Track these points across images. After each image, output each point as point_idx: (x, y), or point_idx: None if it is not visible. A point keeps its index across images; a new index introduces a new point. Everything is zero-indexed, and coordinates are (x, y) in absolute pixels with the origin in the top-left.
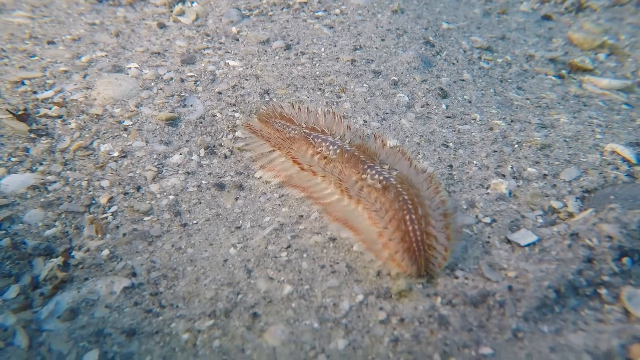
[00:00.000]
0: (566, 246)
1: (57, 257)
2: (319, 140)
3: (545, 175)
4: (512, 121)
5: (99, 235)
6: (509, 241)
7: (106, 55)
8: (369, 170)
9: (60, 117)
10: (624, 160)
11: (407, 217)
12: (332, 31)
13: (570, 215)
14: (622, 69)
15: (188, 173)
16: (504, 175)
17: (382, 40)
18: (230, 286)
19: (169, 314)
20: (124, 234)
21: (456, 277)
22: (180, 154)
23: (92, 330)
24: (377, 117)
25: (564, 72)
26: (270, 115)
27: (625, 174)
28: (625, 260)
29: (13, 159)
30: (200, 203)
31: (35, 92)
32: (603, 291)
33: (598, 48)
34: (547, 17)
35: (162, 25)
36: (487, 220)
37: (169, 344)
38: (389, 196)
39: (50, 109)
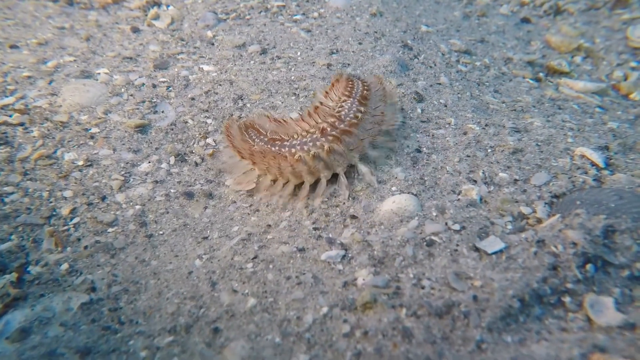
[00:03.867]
0: (532, 253)
1: (10, 272)
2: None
3: (516, 180)
4: (486, 125)
5: (59, 249)
6: (477, 249)
7: (75, 60)
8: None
9: (21, 124)
10: (593, 164)
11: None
12: (309, 35)
13: (539, 221)
14: (597, 71)
15: (156, 182)
16: (475, 181)
17: (360, 43)
18: (193, 300)
19: (127, 331)
20: (86, 247)
21: (422, 287)
22: (149, 162)
23: (43, 350)
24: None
25: (541, 75)
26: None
27: (593, 179)
28: (588, 266)
29: None
30: (168, 213)
31: None
32: (567, 299)
33: (575, 51)
34: (526, 20)
35: (135, 30)
36: (457, 227)
37: None
38: None
39: (10, 116)
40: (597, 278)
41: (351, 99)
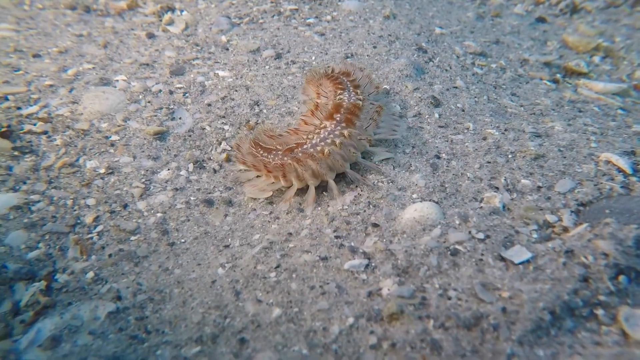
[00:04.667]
0: (561, 264)
1: (39, 281)
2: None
3: (539, 187)
4: (505, 130)
5: (84, 257)
6: (502, 259)
7: (93, 68)
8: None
9: (45, 133)
10: (619, 170)
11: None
12: (323, 38)
13: (565, 229)
14: (617, 72)
15: (176, 189)
16: (497, 188)
17: (374, 47)
18: (218, 309)
19: (154, 340)
20: (110, 255)
21: (449, 298)
22: (169, 170)
23: (74, 359)
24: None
25: (558, 76)
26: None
27: (621, 186)
28: (621, 278)
29: None
30: (189, 221)
31: (19, 108)
32: (600, 312)
33: (593, 51)
34: (541, 20)
35: (151, 35)
36: (481, 236)
37: None
38: None
39: (34, 125)
40: (630, 290)
41: (346, 91)
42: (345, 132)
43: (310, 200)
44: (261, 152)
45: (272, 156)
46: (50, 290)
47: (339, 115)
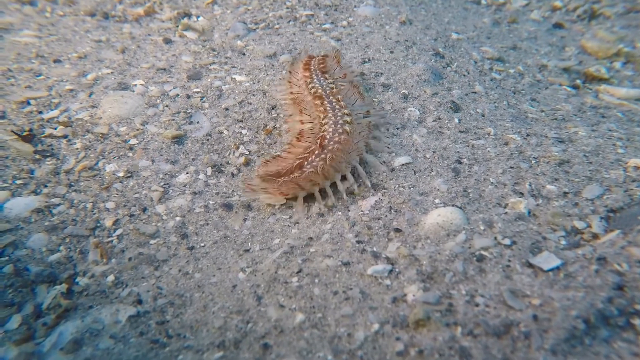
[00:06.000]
0: (593, 271)
1: (61, 284)
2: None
3: (565, 193)
4: (527, 135)
5: (104, 260)
6: (530, 265)
7: (112, 73)
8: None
9: (65, 137)
10: None
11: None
12: (339, 44)
13: (595, 236)
14: (639, 77)
15: (195, 193)
16: (522, 194)
17: (391, 52)
18: (239, 314)
19: (176, 345)
20: (130, 259)
21: (477, 305)
22: (187, 173)
23: None
24: (387, 132)
25: (578, 82)
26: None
27: None
28: None
29: (17, 182)
30: (208, 224)
31: (40, 112)
32: (637, 321)
33: (614, 56)
34: (558, 26)
35: (167, 41)
36: (507, 242)
37: None
38: None
39: (55, 128)
40: None
41: (315, 77)
42: (346, 110)
43: (341, 195)
44: (293, 175)
45: (309, 166)
46: (71, 293)
47: (327, 101)
